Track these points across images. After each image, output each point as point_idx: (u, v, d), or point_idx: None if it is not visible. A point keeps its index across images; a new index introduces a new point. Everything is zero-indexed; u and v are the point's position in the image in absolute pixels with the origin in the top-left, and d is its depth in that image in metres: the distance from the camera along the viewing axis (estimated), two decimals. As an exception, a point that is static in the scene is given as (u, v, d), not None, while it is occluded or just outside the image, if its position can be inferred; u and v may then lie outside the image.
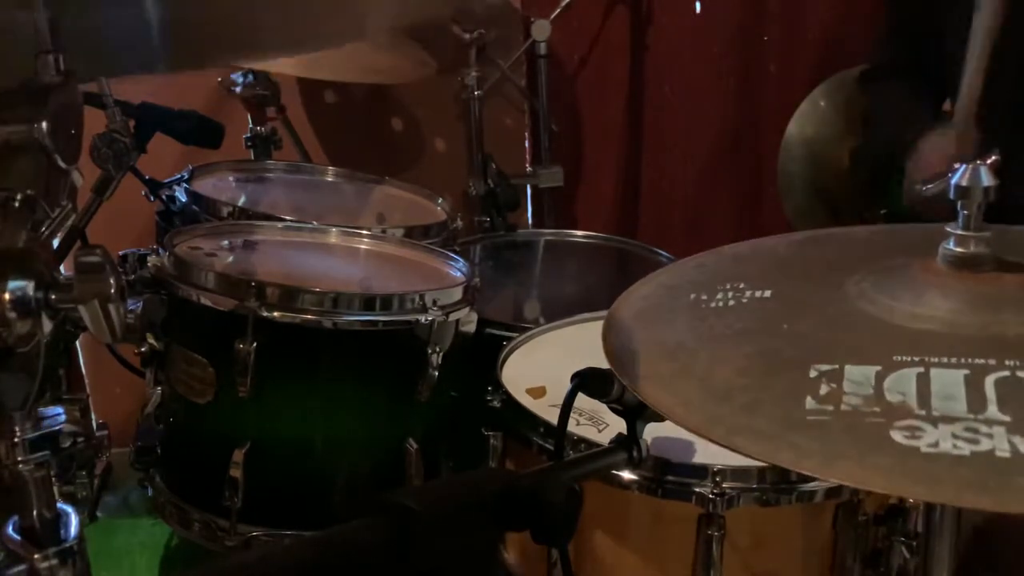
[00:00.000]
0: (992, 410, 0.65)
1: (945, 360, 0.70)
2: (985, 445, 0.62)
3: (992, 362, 0.69)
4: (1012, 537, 1.42)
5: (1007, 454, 0.61)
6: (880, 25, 2.06)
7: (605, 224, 2.60)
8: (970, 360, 0.70)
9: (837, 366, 0.71)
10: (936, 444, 0.62)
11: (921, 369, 0.69)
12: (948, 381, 0.68)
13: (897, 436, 0.63)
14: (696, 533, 1.10)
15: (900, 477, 0.61)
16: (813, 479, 1.11)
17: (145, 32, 1.01)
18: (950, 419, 0.64)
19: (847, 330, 0.78)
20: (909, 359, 0.71)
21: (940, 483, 0.60)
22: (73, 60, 0.89)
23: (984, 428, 0.63)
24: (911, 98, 1.76)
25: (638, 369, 0.79)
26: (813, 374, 0.71)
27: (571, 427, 1.12)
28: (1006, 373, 0.68)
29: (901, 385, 0.68)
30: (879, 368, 0.70)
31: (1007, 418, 0.64)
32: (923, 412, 0.65)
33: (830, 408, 0.67)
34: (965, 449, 0.62)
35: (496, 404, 1.28)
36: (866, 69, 2.05)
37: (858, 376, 0.70)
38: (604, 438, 1.07)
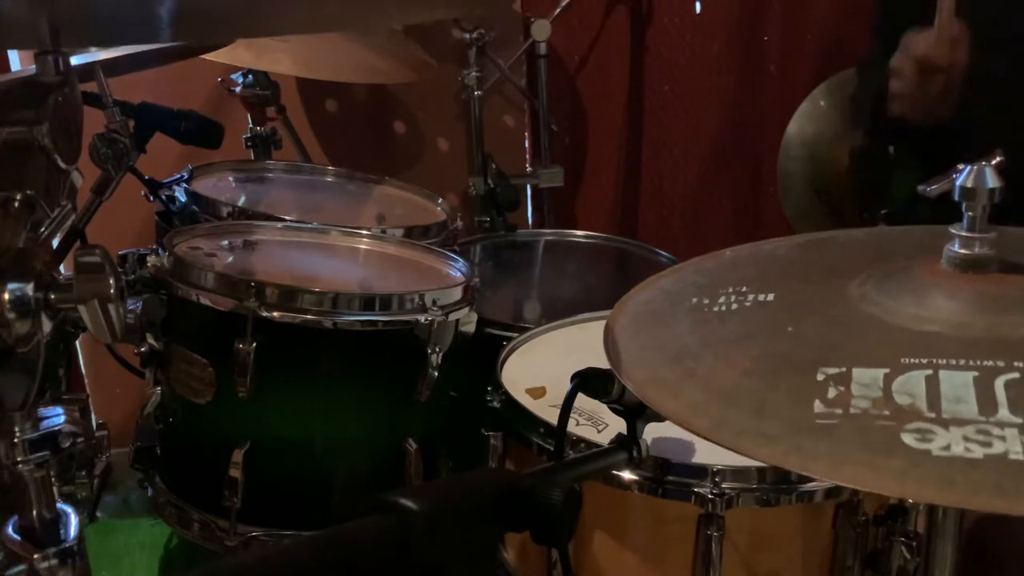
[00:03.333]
0: (1003, 412, 0.64)
1: (953, 362, 0.69)
2: (998, 448, 0.61)
3: (1001, 364, 0.69)
4: (1008, 542, 1.41)
5: (1020, 456, 0.60)
6: (873, 16, 2.06)
7: (605, 224, 2.60)
8: (978, 362, 0.69)
9: (844, 369, 0.71)
10: (948, 447, 0.62)
11: (929, 371, 0.69)
12: (957, 383, 0.67)
13: (908, 439, 0.63)
14: (696, 533, 1.10)
15: (913, 481, 0.60)
16: (813, 479, 1.11)
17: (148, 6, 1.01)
18: (961, 422, 0.64)
19: (852, 332, 0.77)
20: (917, 361, 0.70)
21: (953, 486, 0.59)
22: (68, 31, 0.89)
23: (996, 431, 0.62)
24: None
25: (641, 373, 0.78)
26: (820, 377, 0.70)
27: (571, 427, 1.12)
28: (1016, 375, 0.67)
29: (910, 387, 0.68)
30: (887, 371, 0.69)
31: (1019, 420, 0.63)
32: (933, 415, 0.65)
33: (839, 411, 0.66)
34: (978, 452, 0.61)
35: (496, 404, 1.28)
36: (862, 61, 2.05)
37: (866, 379, 0.69)
38: (604, 438, 1.07)
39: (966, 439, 0.62)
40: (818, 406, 0.67)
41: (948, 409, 0.65)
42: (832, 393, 0.68)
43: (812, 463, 0.63)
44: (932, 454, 0.62)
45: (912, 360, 0.70)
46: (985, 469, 0.60)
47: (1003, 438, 0.62)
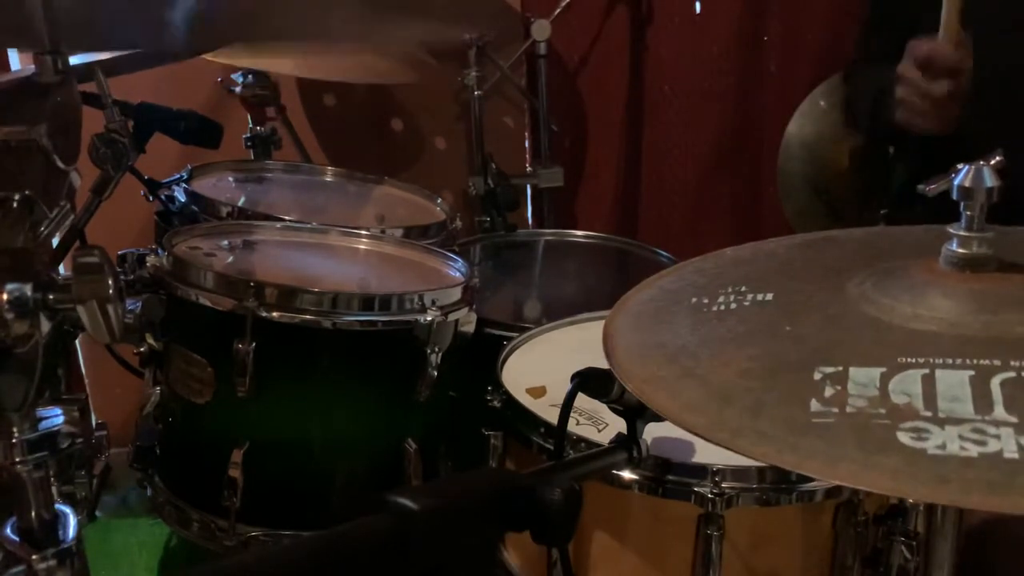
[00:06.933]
0: (999, 411, 0.64)
1: (950, 361, 0.70)
2: (993, 446, 0.61)
3: (997, 363, 0.69)
4: (1008, 543, 1.41)
5: (1015, 455, 0.60)
6: (862, 20, 2.06)
7: (605, 224, 2.60)
8: (975, 361, 0.69)
9: (841, 368, 0.71)
10: (943, 446, 0.62)
11: (926, 370, 0.69)
12: (953, 382, 0.67)
13: (903, 438, 0.63)
14: (696, 533, 1.10)
15: (906, 479, 0.60)
16: (813, 478, 1.11)
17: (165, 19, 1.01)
18: (957, 420, 0.64)
19: (850, 331, 0.77)
20: (913, 360, 0.70)
21: (947, 484, 0.59)
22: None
23: (991, 429, 0.62)
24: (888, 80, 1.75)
25: (639, 372, 0.78)
26: (817, 376, 0.70)
27: (571, 427, 1.12)
28: (1012, 374, 0.67)
29: (906, 386, 0.68)
30: (884, 370, 0.70)
31: (1014, 419, 0.63)
32: (929, 413, 0.65)
33: (835, 410, 0.66)
34: (972, 450, 0.61)
35: (496, 404, 1.28)
36: (848, 65, 2.06)
37: (863, 378, 0.69)
38: (604, 438, 1.07)
39: (961, 437, 0.62)
40: (814, 405, 0.67)
41: (944, 408, 0.65)
42: (829, 392, 0.68)
43: (807, 461, 0.63)
44: (927, 453, 0.61)
45: (909, 359, 0.70)
46: (979, 467, 0.60)
47: (998, 436, 0.62)
